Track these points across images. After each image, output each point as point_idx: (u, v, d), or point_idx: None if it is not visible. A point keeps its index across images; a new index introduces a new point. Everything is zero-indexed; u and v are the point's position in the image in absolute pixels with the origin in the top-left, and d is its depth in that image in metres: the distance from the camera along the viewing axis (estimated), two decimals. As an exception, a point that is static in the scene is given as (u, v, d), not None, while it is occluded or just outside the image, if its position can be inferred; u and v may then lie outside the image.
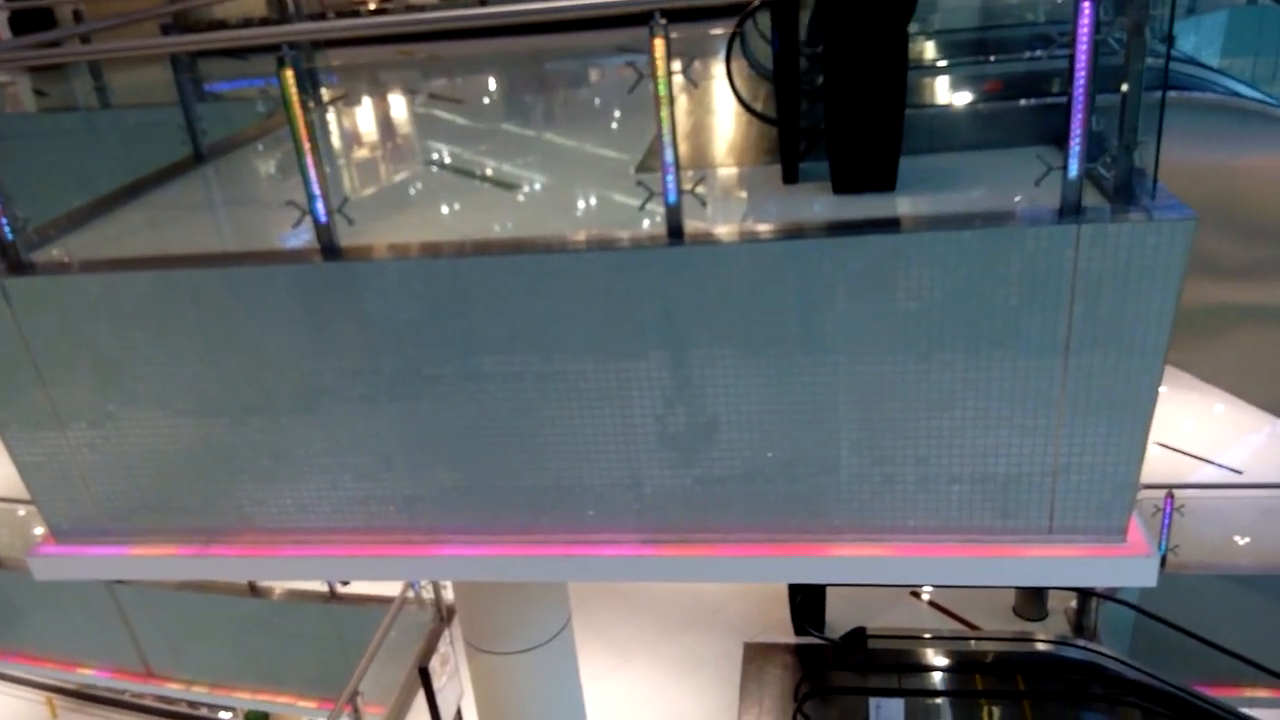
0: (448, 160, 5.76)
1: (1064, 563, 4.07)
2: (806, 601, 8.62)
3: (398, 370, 4.09)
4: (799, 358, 3.91)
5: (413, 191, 5.28)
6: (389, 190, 5.32)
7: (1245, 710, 8.71)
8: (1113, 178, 3.62)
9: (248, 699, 10.24)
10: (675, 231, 3.76)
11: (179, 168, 5.43)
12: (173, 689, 10.55)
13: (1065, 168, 3.49)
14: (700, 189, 3.95)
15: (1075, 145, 3.47)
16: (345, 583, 9.66)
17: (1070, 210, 3.52)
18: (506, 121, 6.88)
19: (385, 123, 6.97)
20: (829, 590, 8.69)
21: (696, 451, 4.14)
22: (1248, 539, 9.63)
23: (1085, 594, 8.48)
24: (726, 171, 4.72)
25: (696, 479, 4.18)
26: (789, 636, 8.74)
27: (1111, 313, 3.59)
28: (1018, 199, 3.77)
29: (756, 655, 8.61)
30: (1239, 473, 15.12)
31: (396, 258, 3.96)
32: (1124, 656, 8.28)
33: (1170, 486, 9.15)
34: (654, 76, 3.60)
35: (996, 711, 7.89)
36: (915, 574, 4.36)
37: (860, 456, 4.11)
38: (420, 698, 7.54)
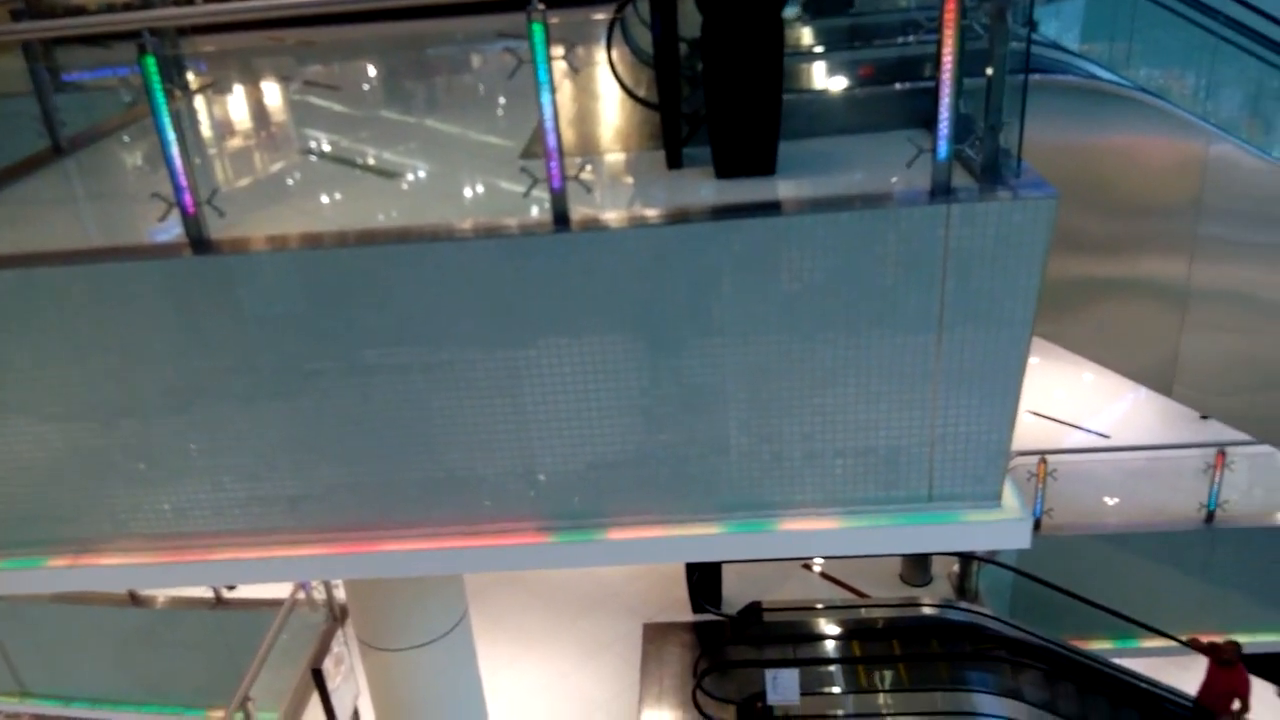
0: (325, 149, 5.60)
1: (943, 529, 4.24)
2: (703, 580, 8.76)
3: (277, 367, 3.97)
4: (687, 341, 3.96)
5: (289, 181, 5.13)
6: (264, 181, 5.15)
7: (1116, 660, 9.25)
8: (980, 158, 3.76)
9: (133, 714, 9.83)
10: (561, 218, 3.76)
11: (36, 161, 5.14)
12: (50, 709, 10.05)
13: (935, 150, 3.61)
14: (586, 175, 3.95)
15: (944, 128, 3.60)
16: (231, 587, 9.36)
17: (940, 191, 3.65)
18: (386, 108, 6.73)
19: (258, 111, 6.73)
20: (725, 568, 8.85)
21: (589, 437, 4.15)
22: (1116, 499, 10.20)
23: (966, 558, 8.85)
24: (612, 157, 4.73)
25: (590, 465, 4.20)
26: (688, 615, 8.87)
27: (981, 288, 3.74)
28: (893, 180, 3.89)
29: (656, 635, 8.71)
30: (1106, 437, 16.00)
31: (272, 250, 3.84)
32: (1003, 616, 8.69)
33: (1043, 452, 9.62)
34: (533, 62, 3.58)
35: (888, 675, 8.18)
36: (803, 547, 4.48)
37: (749, 436, 4.19)
38: (315, 700, 7.39)
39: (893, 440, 4.18)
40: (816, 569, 9.43)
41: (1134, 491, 10.12)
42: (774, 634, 8.40)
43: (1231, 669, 7.71)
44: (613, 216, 3.86)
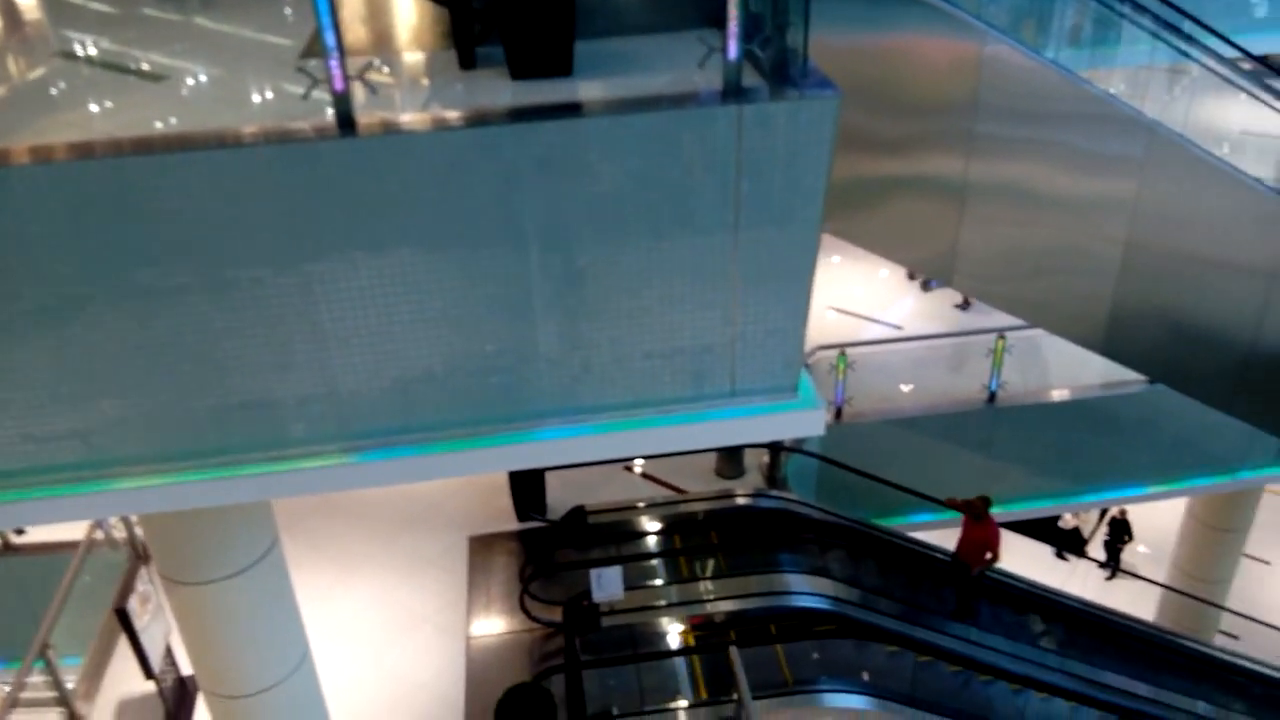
0: (85, 52, 5.08)
1: (745, 423, 4.41)
2: (527, 489, 8.83)
3: (45, 293, 3.64)
4: (489, 249, 3.89)
5: (51, 91, 4.63)
6: (21, 90, 4.63)
7: (913, 534, 10.03)
8: (768, 58, 3.81)
9: (-84, 675, 9.10)
10: (345, 122, 3.56)
11: None
12: None
13: (725, 50, 3.63)
14: (374, 75, 3.75)
15: (733, 26, 3.61)
16: (20, 531, 8.72)
17: (732, 91, 3.68)
18: (150, 6, 6.14)
19: (6, 9, 6.00)
20: (548, 475, 8.94)
21: (392, 352, 4.04)
22: (910, 386, 10.90)
23: (774, 449, 9.29)
24: (401, 57, 4.51)
25: (395, 380, 4.10)
26: (513, 525, 8.94)
27: (772, 188, 3.84)
28: (688, 81, 3.89)
29: (481, 547, 8.76)
30: (900, 328, 17.01)
31: (31, 162, 3.48)
32: (810, 501, 9.22)
33: (842, 346, 10.14)
34: (306, -48, 3.33)
35: (709, 563, 8.57)
36: (617, 448, 4.57)
37: (558, 343, 4.19)
38: (123, 641, 7.05)
39: (697, 340, 4.28)
40: (637, 470, 9.68)
41: (923, 378, 10.84)
42: (598, 535, 8.61)
43: (982, 523, 8.28)
44: (403, 120, 3.71)
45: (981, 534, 8.30)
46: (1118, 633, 10.34)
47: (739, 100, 3.67)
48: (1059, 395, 10.25)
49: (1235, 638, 13.28)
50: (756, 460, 9.85)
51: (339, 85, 3.54)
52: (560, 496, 9.08)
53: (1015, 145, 5.52)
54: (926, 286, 16.47)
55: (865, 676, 7.90)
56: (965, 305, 14.25)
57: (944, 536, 10.97)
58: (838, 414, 10.08)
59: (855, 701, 7.40)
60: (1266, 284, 6.26)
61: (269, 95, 4.44)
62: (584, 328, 4.13)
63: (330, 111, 3.57)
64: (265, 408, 4.05)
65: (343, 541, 9.00)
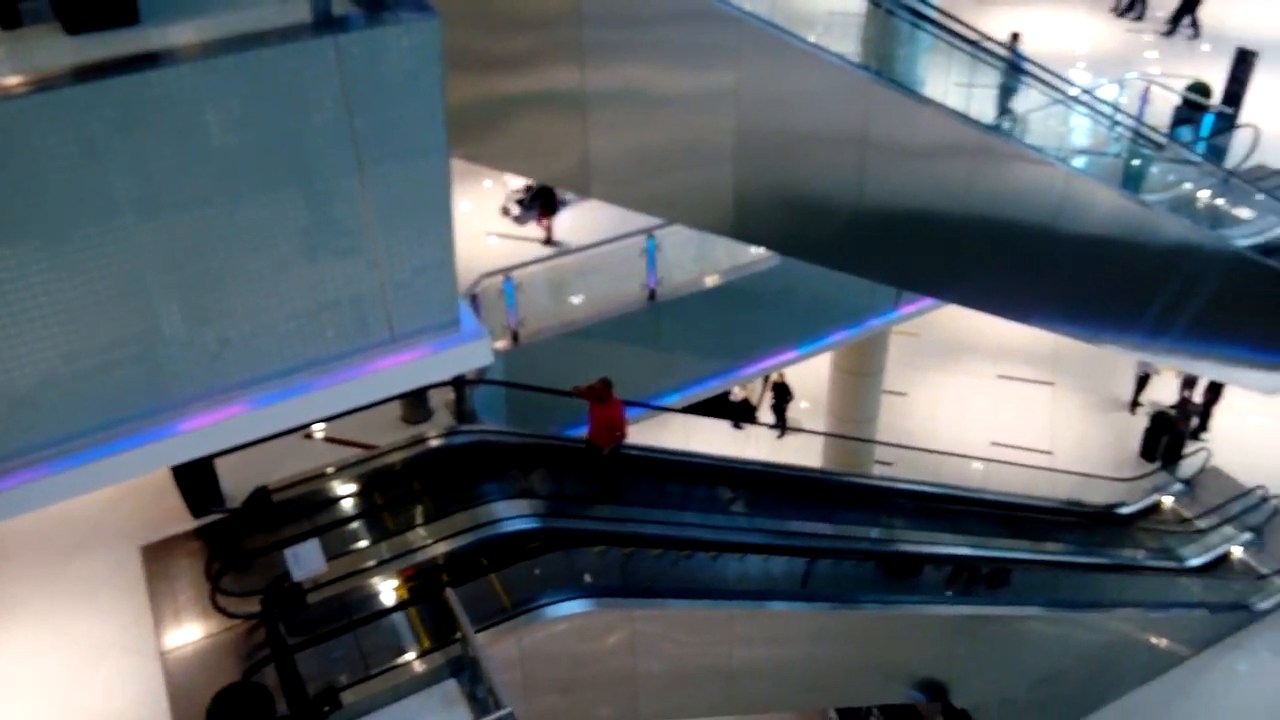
0: None
1: (413, 366, 4.31)
2: (196, 481, 8.15)
3: None
4: (80, 229, 3.44)
5: None
6: None
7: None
8: (358, -16, 3.61)
9: None
10: None
11: None
12: None
13: (306, -23, 3.39)
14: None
15: (312, -48, 3.38)
16: None
17: (323, 22, 3.46)
18: None
19: None
20: (218, 461, 8.29)
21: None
22: (580, 297, 11.16)
23: (456, 384, 9.21)
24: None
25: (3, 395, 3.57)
26: (190, 522, 8.24)
27: (389, 120, 3.68)
28: (281, 13, 3.58)
29: (158, 554, 8.01)
30: (560, 244, 17.36)
31: None
32: (503, 427, 9.28)
33: (506, 270, 10.17)
34: None
35: (418, 512, 8.41)
36: (279, 420, 4.29)
37: (186, 321, 3.83)
38: None
39: (343, 291, 4.09)
40: (318, 436, 9.21)
41: (587, 285, 11.14)
42: (288, 513, 8.16)
43: (606, 404, 8.53)
44: (-69, 98, 3.14)
45: (608, 415, 8.57)
46: (795, 483, 11.45)
47: (333, 31, 3.46)
48: (710, 281, 10.95)
49: (889, 464, 15.18)
50: (443, 399, 9.73)
51: None
52: (239, 481, 8.47)
53: (623, 49, 5.67)
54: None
55: (587, 579, 8.20)
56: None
57: (639, 432, 11.55)
58: (514, 338, 10.15)
59: (575, 606, 7.65)
60: (860, 150, 6.99)
61: None
62: (211, 300, 3.80)
63: None
64: None
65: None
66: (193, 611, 7.44)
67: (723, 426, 16.83)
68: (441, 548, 8.01)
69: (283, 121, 3.55)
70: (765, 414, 16.99)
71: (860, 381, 14.24)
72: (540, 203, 17.57)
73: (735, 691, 9.24)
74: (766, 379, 16.33)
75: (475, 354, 4.42)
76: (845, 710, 12.85)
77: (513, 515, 8.32)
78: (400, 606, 7.55)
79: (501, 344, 9.79)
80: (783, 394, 16.30)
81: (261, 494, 8.04)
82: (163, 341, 3.78)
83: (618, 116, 5.90)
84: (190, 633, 7.30)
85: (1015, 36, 14.18)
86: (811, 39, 6.89)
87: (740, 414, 16.80)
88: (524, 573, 7.96)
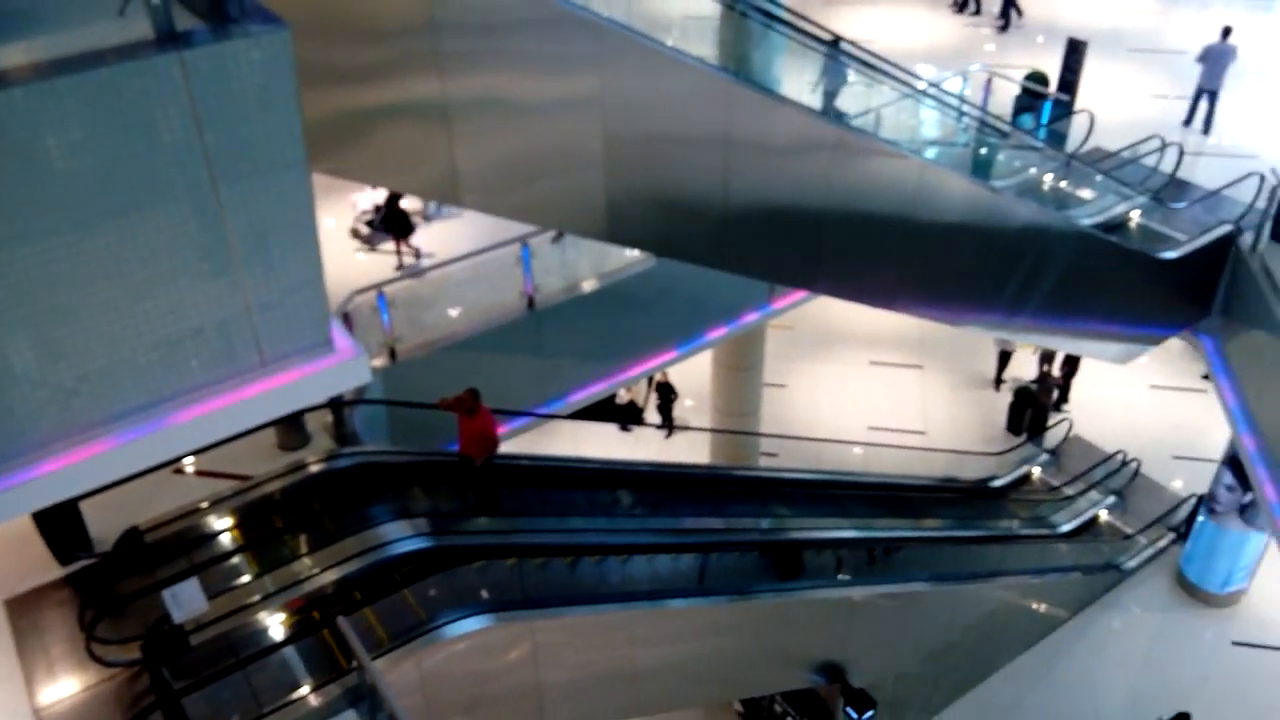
0: None
1: (286, 390, 4.19)
2: (60, 526, 7.72)
3: None
4: (-91, 268, 3.23)
5: None
6: None
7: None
8: (201, -1, 3.50)
9: None
10: None
11: None
12: None
13: (142, -8, 3.27)
14: None
15: (145, -33, 3.26)
16: None
17: (167, 38, 3.34)
18: None
19: None
20: (82, 504, 7.87)
21: None
22: (458, 309, 11.02)
23: (333, 406, 8.98)
24: None
25: None
26: (57, 571, 7.80)
27: (244, 137, 3.58)
28: (122, 30, 3.44)
29: (25, 607, 7.55)
30: (431, 255, 17.12)
31: None
32: (386, 446, 9.10)
33: (381, 284, 9.96)
34: None
35: (302, 541, 8.16)
36: (149, 456, 4.11)
37: (39, 358, 3.64)
38: None
39: (208, 316, 3.95)
40: (189, 470, 8.83)
41: (467, 298, 11.02)
42: (164, 553, 7.82)
43: (476, 415, 8.39)
44: None
45: (478, 426, 8.44)
46: (684, 480, 11.60)
47: (178, 47, 3.34)
48: (588, 286, 10.98)
49: (775, 455, 15.51)
50: (321, 422, 9.46)
51: None
52: (109, 523, 8.06)
53: (482, 58, 5.64)
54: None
55: (484, 595, 8.10)
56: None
57: (527, 442, 11.48)
58: (392, 354, 9.95)
59: (473, 623, 7.56)
60: (724, 150, 7.13)
61: None
62: (65, 334, 3.62)
63: None
64: None
65: None
66: (67, 664, 7.05)
67: (611, 430, 16.89)
68: (330, 575, 7.80)
69: (129, 143, 3.41)
70: (652, 415, 17.13)
71: (741, 376, 14.51)
72: (391, 225, 16.87)
73: (640, 693, 9.29)
74: (650, 380, 16.48)
75: (352, 373, 4.32)
76: (749, 701, 13.05)
77: (403, 536, 8.17)
78: (291, 639, 7.33)
79: (379, 361, 9.58)
80: (667, 393, 16.48)
81: (133, 535, 7.68)
82: (14, 381, 3.57)
83: (483, 125, 5.87)
84: (66, 687, 6.92)
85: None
86: (670, 43, 7.00)
87: (627, 416, 16.90)
88: (419, 593, 7.83)
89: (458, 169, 5.84)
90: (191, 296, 3.85)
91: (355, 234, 17.52)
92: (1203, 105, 17.69)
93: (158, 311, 3.83)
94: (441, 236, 17.75)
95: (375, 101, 5.43)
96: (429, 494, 9.02)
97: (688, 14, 8.56)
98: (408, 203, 17.07)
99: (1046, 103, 14.43)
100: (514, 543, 8.91)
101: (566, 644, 8.42)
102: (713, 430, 15.20)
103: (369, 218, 17.43)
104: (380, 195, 17.20)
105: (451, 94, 5.58)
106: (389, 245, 17.24)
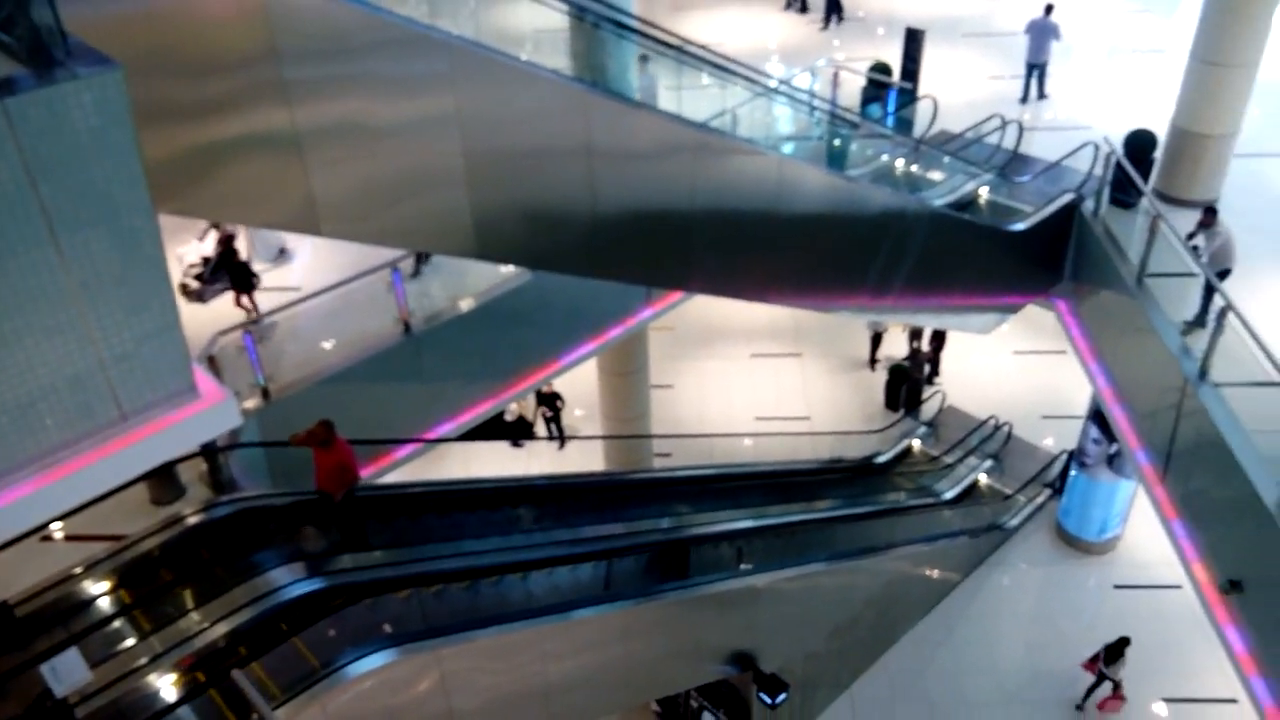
0: None
1: (151, 442, 4.02)
2: (-82, 612, 7.22)
3: None
4: None
5: None
6: None
7: (382, 479, 10.13)
8: (20, 43, 3.33)
9: None
10: None
11: None
12: None
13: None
14: None
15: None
16: None
17: (-16, 87, 3.17)
18: None
19: None
20: (-59, 586, 7.37)
21: None
22: (332, 341, 10.74)
23: (208, 454, 8.65)
24: None
25: None
26: (-84, 659, 7.28)
27: (81, 183, 3.43)
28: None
29: (-115, 703, 7.02)
30: (298, 289, 16.63)
31: None
32: (268, 489, 8.81)
33: (245, 324, 9.65)
34: None
35: (186, 596, 7.83)
36: (8, 526, 3.89)
37: None
38: None
39: (57, 374, 3.75)
40: (58, 536, 8.37)
41: (341, 328, 10.76)
42: (39, 625, 7.39)
43: (331, 448, 7.99)
44: None
45: (335, 459, 8.08)
46: (582, 489, 11.59)
47: (2, 94, 3.17)
48: (465, 305, 10.87)
49: (668, 455, 15.66)
50: (196, 472, 9.09)
51: None
52: (-31, 602, 7.56)
53: (330, 84, 5.52)
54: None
55: (385, 629, 7.92)
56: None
57: (417, 469, 11.27)
58: (265, 394, 9.64)
59: (377, 660, 7.38)
60: (586, 160, 7.17)
61: None
62: (-102, 405, 3.39)
63: None
64: None
65: None
66: (-62, 759, 6.59)
67: (503, 448, 16.76)
68: (221, 628, 7.52)
69: (-45, 198, 3.23)
70: (542, 428, 17.07)
71: (627, 381, 14.60)
72: (228, 278, 15.61)
73: (556, 708, 9.24)
74: (538, 393, 16.42)
75: (220, 418, 4.17)
76: (665, 700, 13.14)
77: (293, 579, 7.94)
78: (186, 699, 7.03)
79: (252, 403, 9.27)
80: (552, 402, 16.44)
81: (2, 610, 7.23)
82: None
83: (337, 152, 5.75)
84: (-62, 784, 6.46)
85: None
86: (524, 57, 7.00)
87: (517, 432, 16.80)
88: (318, 634, 7.61)
89: (315, 199, 5.70)
90: (40, 354, 3.65)
91: (184, 290, 16.00)
92: (1034, 80, 18.73)
93: (5, 374, 3.63)
94: (307, 270, 17.29)
95: (222, 136, 5.25)
96: (315, 533, 8.77)
97: (539, 28, 8.58)
98: (243, 250, 16.02)
99: (892, 92, 15.00)
100: (411, 573, 8.74)
101: (476, 668, 8.31)
102: (604, 437, 15.25)
103: (197, 270, 16.18)
104: (208, 246, 16.10)
105: (301, 123, 5.45)
106: (225, 299, 15.97)
